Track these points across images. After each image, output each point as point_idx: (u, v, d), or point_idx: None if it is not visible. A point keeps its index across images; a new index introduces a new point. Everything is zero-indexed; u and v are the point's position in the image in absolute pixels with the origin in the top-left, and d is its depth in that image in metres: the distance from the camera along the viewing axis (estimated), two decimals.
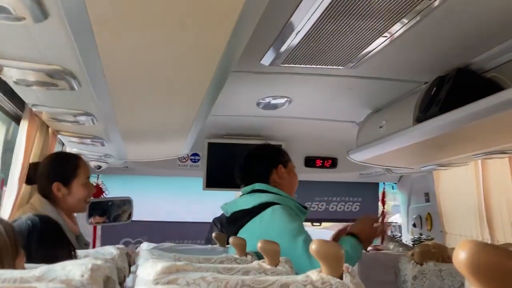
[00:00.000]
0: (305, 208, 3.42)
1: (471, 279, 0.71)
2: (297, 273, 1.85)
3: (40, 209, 3.12)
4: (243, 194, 3.49)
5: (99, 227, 5.85)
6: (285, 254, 2.32)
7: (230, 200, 3.68)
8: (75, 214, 3.53)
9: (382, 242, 4.80)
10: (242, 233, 3.24)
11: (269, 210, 3.22)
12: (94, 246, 5.39)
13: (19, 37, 1.79)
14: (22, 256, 1.84)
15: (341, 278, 1.60)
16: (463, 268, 0.71)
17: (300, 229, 3.15)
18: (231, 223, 3.41)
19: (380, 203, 6.46)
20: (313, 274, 1.62)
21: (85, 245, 3.40)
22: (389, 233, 6.63)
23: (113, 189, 5.92)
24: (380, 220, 3.48)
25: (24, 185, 3.23)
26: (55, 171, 3.29)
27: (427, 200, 5.67)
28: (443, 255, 3.14)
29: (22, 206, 3.22)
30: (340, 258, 1.60)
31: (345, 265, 1.62)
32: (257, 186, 3.41)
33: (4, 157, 3.30)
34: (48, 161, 3.40)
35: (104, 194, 5.78)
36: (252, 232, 3.16)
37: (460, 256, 0.71)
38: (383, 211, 3.80)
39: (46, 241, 2.27)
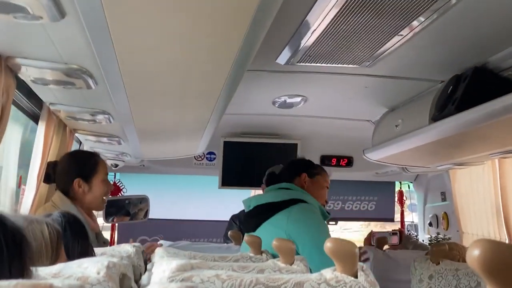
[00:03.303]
0: (328, 214, 3.48)
1: (484, 276, 0.72)
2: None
3: (61, 207, 3.13)
4: (267, 191, 3.54)
5: (117, 225, 5.88)
6: (311, 248, 2.37)
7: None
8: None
9: (400, 242, 4.78)
10: (266, 225, 3.26)
11: (297, 206, 3.26)
12: (112, 244, 5.41)
13: (36, 36, 1.80)
14: (63, 260, 1.87)
15: (355, 276, 1.60)
16: (477, 266, 0.72)
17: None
18: (253, 217, 3.42)
19: (397, 203, 6.45)
20: (327, 273, 1.62)
21: (104, 243, 3.42)
22: (406, 232, 6.62)
23: (130, 187, 5.95)
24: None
25: (42, 183, 3.25)
26: (75, 168, 3.32)
27: (444, 199, 5.65)
28: (463, 256, 3.12)
29: (40, 204, 3.24)
30: (355, 257, 1.60)
31: (360, 263, 1.62)
32: (284, 185, 3.45)
33: (23, 156, 3.33)
34: (68, 158, 3.42)
35: (121, 192, 5.81)
36: (278, 226, 3.19)
37: (474, 254, 0.72)
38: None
39: (77, 238, 2.29)
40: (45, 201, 3.33)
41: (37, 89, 2.56)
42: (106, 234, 5.12)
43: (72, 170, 3.30)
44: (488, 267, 0.71)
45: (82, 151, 3.99)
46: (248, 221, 3.47)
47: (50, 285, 0.89)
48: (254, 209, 3.45)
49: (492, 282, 0.72)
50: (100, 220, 4.56)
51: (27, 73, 2.24)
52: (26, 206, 3.16)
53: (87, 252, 2.17)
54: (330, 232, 3.53)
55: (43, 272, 1.48)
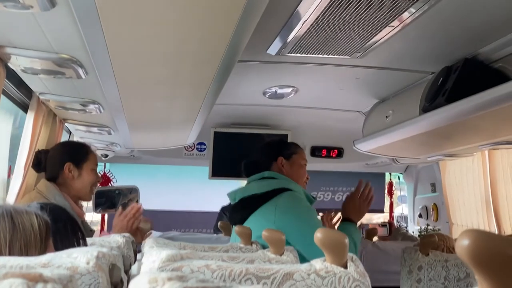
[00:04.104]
0: (313, 198, 3.45)
1: (473, 267, 0.72)
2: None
3: (46, 194, 3.16)
4: (250, 182, 3.51)
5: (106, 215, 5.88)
6: (301, 237, 2.39)
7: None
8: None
9: (390, 234, 4.81)
10: (253, 217, 3.25)
11: (284, 195, 3.25)
12: (101, 233, 5.42)
13: (26, 26, 1.80)
14: (51, 251, 1.86)
15: (345, 267, 1.60)
16: (466, 257, 0.72)
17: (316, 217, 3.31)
18: (240, 209, 3.40)
19: (387, 194, 6.47)
20: (317, 263, 1.62)
21: (90, 231, 3.43)
22: (395, 224, 6.65)
23: (120, 178, 5.95)
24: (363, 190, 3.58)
25: (29, 172, 3.26)
26: (67, 153, 3.38)
27: (433, 191, 5.67)
28: (448, 246, 3.14)
29: (28, 192, 3.25)
30: (344, 247, 1.61)
31: (349, 254, 1.62)
32: (267, 174, 3.44)
33: (12, 146, 3.33)
34: (61, 145, 3.52)
35: (111, 182, 5.81)
36: (266, 217, 3.18)
37: (463, 245, 0.72)
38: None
39: (55, 230, 2.28)
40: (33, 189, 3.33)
41: (27, 78, 2.55)
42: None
43: (63, 155, 3.34)
44: (477, 257, 0.71)
45: (74, 141, 4.01)
46: (235, 214, 3.46)
47: (40, 274, 0.89)
48: (239, 202, 3.44)
49: (481, 272, 0.72)
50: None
51: (17, 63, 2.23)
52: (12, 194, 3.16)
53: (63, 247, 2.15)
54: None
55: (33, 262, 1.47)
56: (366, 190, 3.49)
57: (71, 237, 2.27)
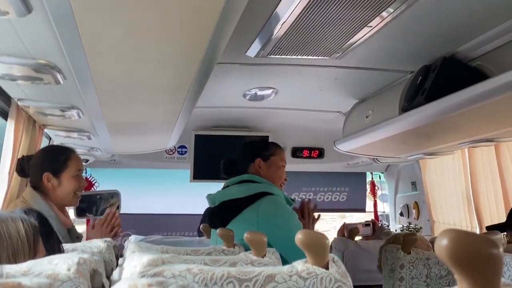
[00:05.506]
0: (292, 200, 3.45)
1: (452, 266, 0.72)
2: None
3: (31, 202, 3.12)
4: (228, 186, 3.49)
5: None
6: (285, 241, 2.42)
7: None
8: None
9: (373, 233, 4.81)
10: (235, 222, 3.23)
11: (265, 200, 3.24)
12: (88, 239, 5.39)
13: (3, 32, 1.78)
14: (42, 254, 1.85)
15: (327, 268, 1.61)
16: (444, 256, 0.72)
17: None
18: (221, 214, 3.39)
19: (369, 193, 6.49)
20: (299, 265, 1.62)
21: (77, 238, 3.40)
22: (379, 223, 6.67)
23: (101, 182, 5.92)
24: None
25: (14, 179, 3.23)
26: (46, 162, 3.30)
27: (414, 189, 5.69)
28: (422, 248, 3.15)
29: (12, 200, 3.22)
30: (325, 248, 1.61)
31: (331, 255, 1.62)
32: (246, 176, 3.42)
33: None
34: (41, 153, 3.42)
35: (94, 187, 5.79)
36: (249, 222, 3.16)
37: (441, 244, 0.72)
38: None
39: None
40: (17, 197, 3.30)
41: (4, 85, 2.53)
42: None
43: (42, 164, 3.28)
44: (455, 256, 0.72)
45: (56, 146, 3.93)
46: (216, 218, 3.43)
47: (18, 283, 0.88)
48: (220, 206, 3.41)
49: (460, 271, 0.72)
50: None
51: None
52: None
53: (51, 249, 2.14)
54: None
55: (13, 269, 1.46)
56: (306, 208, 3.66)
57: (50, 243, 2.26)
